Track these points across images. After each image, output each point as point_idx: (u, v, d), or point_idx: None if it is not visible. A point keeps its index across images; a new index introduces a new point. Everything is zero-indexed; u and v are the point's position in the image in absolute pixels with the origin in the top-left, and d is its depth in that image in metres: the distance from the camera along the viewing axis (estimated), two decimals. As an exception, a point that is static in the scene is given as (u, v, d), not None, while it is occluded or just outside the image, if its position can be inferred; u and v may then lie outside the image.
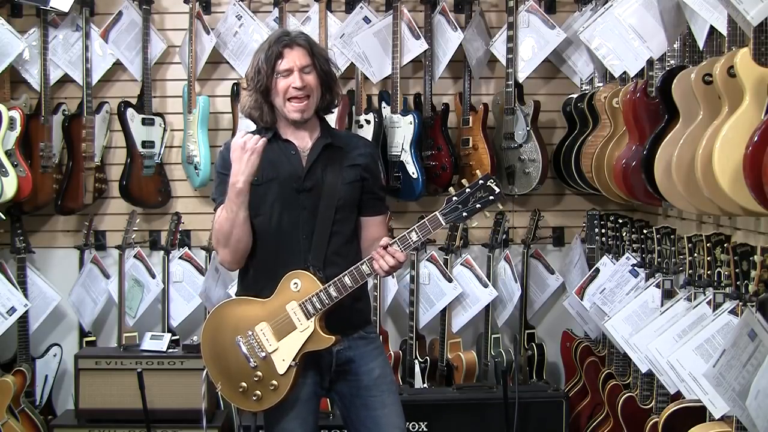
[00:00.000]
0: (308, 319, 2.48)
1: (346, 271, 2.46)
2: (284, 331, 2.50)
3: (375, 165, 2.73)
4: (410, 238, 2.42)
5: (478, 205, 2.41)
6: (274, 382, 2.51)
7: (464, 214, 2.41)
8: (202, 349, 2.68)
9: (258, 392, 2.53)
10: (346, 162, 2.61)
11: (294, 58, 2.52)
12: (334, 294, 2.46)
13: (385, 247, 2.42)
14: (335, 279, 2.46)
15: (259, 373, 2.52)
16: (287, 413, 2.57)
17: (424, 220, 2.42)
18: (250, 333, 2.53)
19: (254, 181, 2.52)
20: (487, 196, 2.40)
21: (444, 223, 2.41)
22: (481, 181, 2.41)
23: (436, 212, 2.42)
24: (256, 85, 2.54)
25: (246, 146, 2.46)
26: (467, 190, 2.41)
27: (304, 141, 2.61)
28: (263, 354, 2.52)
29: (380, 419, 2.61)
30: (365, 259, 2.46)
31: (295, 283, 2.50)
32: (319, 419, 2.74)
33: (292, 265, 2.52)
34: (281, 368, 2.50)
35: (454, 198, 2.42)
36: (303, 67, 2.52)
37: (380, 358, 2.67)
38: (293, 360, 2.49)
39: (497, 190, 2.40)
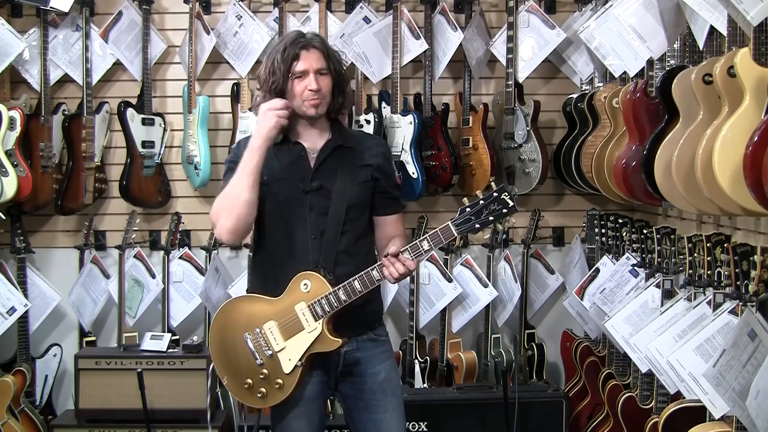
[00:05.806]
0: (316, 320, 2.49)
1: (357, 276, 2.46)
2: (292, 331, 2.51)
3: (388, 164, 2.74)
4: (422, 246, 2.43)
5: (491, 218, 2.41)
6: (279, 380, 2.53)
7: (476, 225, 2.41)
8: (209, 344, 2.71)
9: (263, 389, 2.55)
10: (357, 162, 2.61)
11: (310, 60, 2.53)
12: (343, 297, 2.47)
13: (396, 255, 2.42)
14: (345, 283, 2.47)
15: (265, 371, 2.53)
16: (293, 411, 2.58)
17: (437, 229, 2.42)
18: (258, 331, 2.55)
19: (263, 180, 2.53)
20: (500, 209, 2.40)
21: (456, 234, 2.42)
22: (495, 194, 2.41)
23: (449, 222, 2.42)
24: (270, 86, 2.55)
25: (270, 106, 2.49)
26: (481, 201, 2.41)
27: (314, 142, 2.62)
28: (270, 352, 2.53)
29: (380, 423, 2.61)
30: (376, 265, 2.47)
31: (305, 284, 2.51)
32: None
33: (302, 265, 2.53)
34: (287, 367, 2.51)
35: (467, 209, 2.41)
36: (318, 69, 2.54)
37: (387, 362, 2.67)
38: (299, 360, 2.51)
39: (511, 203, 2.40)
